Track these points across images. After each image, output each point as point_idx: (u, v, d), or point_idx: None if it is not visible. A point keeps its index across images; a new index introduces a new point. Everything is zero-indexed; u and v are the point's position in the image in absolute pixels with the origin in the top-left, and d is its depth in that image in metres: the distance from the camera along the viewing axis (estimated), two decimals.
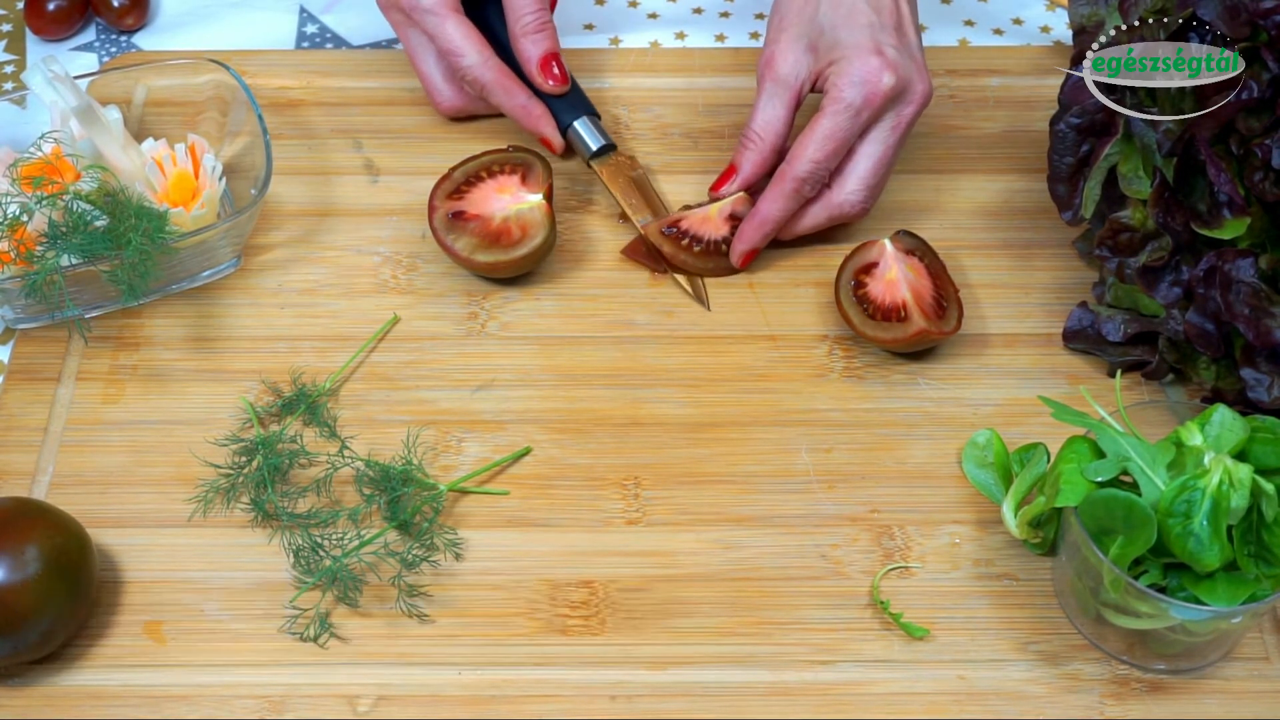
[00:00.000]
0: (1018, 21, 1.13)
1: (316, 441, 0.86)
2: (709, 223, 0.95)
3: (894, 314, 0.90)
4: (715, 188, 0.96)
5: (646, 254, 0.95)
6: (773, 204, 0.92)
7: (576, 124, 0.99)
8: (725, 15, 1.13)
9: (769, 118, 0.93)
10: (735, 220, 0.94)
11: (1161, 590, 0.74)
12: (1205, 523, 0.71)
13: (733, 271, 0.95)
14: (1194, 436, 0.74)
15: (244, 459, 0.85)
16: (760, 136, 0.93)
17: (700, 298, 0.94)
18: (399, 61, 1.08)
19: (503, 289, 0.95)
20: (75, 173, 0.90)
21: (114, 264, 0.85)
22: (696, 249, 0.94)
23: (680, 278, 0.95)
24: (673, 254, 0.94)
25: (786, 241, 0.95)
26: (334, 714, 0.77)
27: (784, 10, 0.93)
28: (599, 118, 1.01)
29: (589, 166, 1.00)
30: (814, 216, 0.93)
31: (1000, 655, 0.79)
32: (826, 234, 0.96)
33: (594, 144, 0.99)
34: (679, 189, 0.99)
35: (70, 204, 0.87)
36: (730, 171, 0.95)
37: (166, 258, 0.88)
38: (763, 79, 0.93)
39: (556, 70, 0.98)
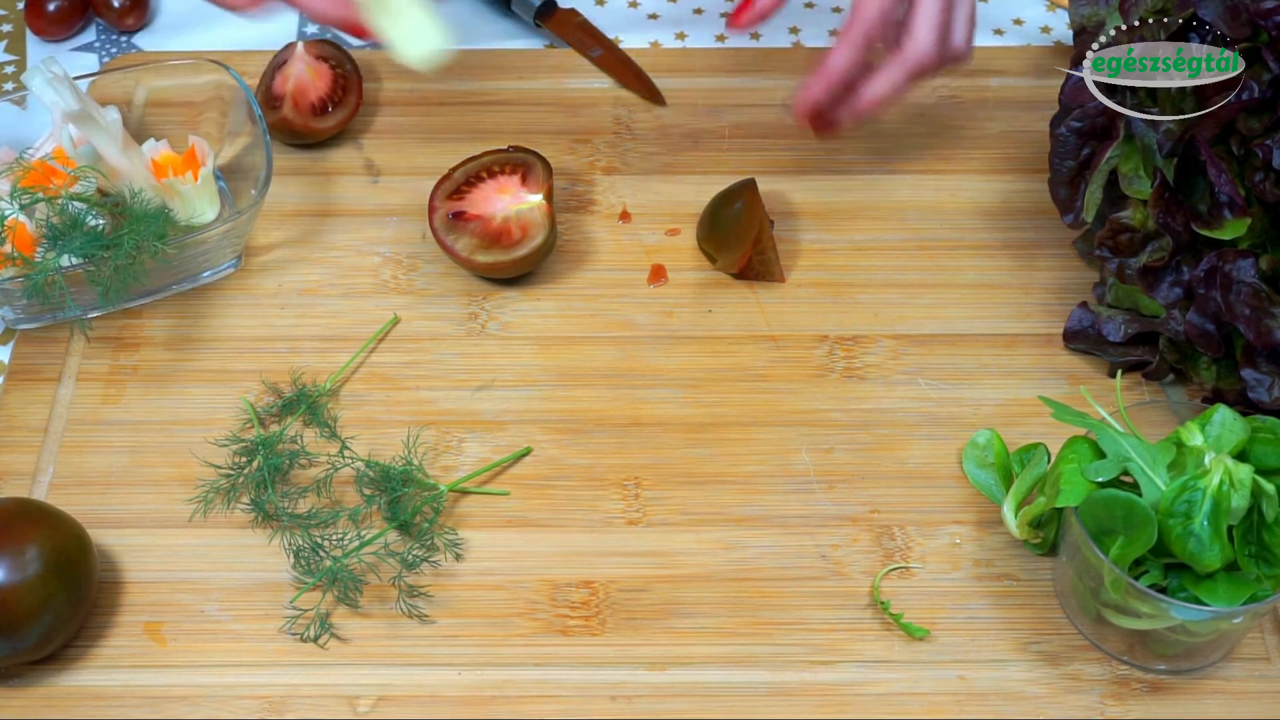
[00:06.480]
0: (1018, 22, 1.13)
1: (317, 442, 0.86)
2: None
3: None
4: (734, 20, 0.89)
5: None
6: (838, 54, 0.88)
7: None
8: (725, 16, 1.13)
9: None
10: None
11: (1162, 590, 0.74)
12: (1206, 523, 0.71)
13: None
14: (1194, 437, 0.74)
15: (244, 459, 0.84)
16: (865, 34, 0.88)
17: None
18: (399, 61, 1.08)
19: (503, 289, 0.95)
20: (74, 174, 0.90)
21: (112, 266, 0.85)
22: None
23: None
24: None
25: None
26: (334, 714, 0.77)
27: None
28: None
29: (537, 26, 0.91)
30: (889, 75, 0.89)
31: (1001, 655, 0.79)
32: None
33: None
34: (680, 189, 0.99)
35: (68, 205, 0.87)
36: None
37: (167, 258, 0.88)
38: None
39: None
